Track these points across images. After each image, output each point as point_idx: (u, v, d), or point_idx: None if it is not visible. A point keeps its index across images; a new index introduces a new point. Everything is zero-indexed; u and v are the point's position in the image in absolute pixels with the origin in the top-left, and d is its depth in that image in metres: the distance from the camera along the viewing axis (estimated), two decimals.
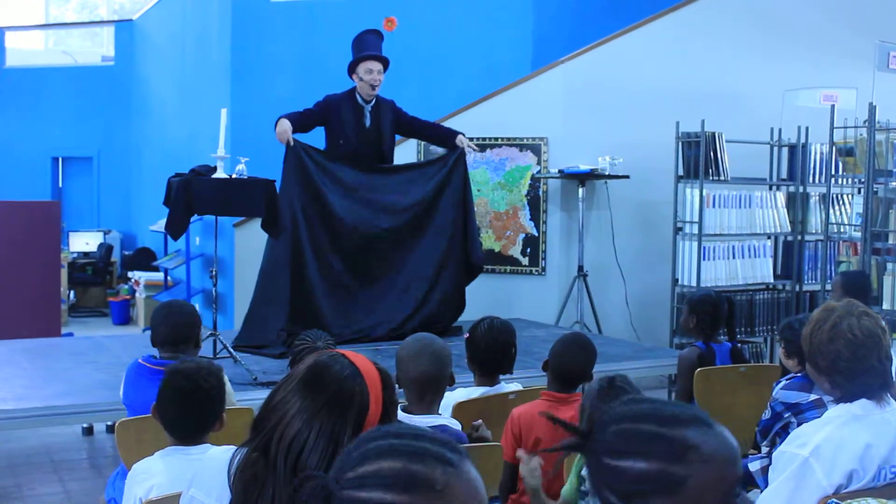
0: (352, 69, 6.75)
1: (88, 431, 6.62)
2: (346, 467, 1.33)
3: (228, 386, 3.49)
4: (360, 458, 1.32)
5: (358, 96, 6.76)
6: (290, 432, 1.85)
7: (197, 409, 2.95)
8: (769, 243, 8.27)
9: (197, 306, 11.09)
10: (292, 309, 6.42)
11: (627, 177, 8.08)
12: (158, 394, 3.05)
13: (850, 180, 7.89)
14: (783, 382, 3.96)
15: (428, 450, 1.32)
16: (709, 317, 4.81)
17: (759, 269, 8.15)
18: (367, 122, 6.78)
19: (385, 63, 6.75)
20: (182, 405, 2.97)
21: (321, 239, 6.62)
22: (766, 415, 3.93)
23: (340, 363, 1.95)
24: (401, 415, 3.27)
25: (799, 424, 3.78)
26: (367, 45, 6.75)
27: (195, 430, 2.96)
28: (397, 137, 7.18)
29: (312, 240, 6.58)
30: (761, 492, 2.72)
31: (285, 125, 6.49)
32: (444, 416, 3.36)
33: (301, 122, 6.65)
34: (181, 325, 3.89)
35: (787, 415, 3.85)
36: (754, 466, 3.72)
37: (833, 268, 7.86)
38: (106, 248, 13.68)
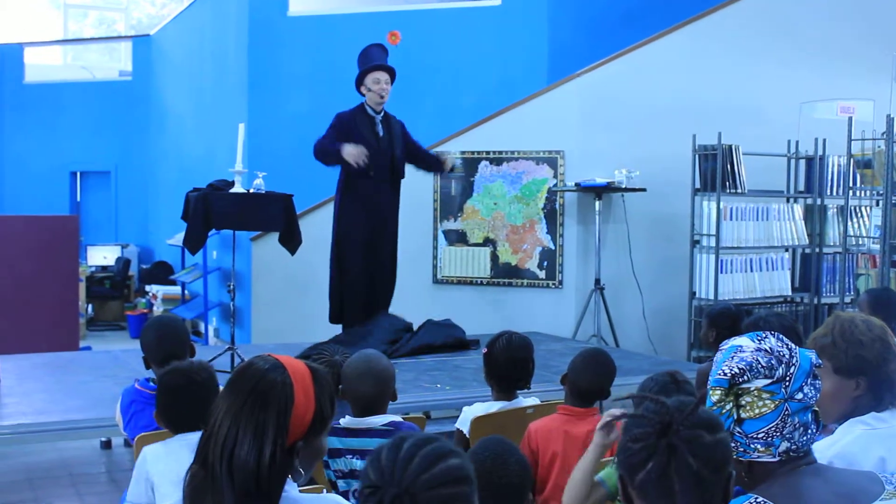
0: (359, 82, 6.84)
1: (106, 445, 6.62)
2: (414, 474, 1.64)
3: None
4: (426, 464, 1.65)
5: (368, 108, 6.84)
6: (220, 434, 1.87)
7: (194, 402, 3.03)
8: (787, 256, 8.24)
9: (214, 320, 11.19)
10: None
11: (644, 190, 8.06)
12: (157, 397, 3.16)
13: (868, 192, 7.85)
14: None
15: None
16: (728, 330, 4.76)
17: (777, 282, 8.12)
18: (381, 132, 6.86)
19: (392, 74, 6.83)
20: (180, 401, 3.08)
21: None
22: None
23: (263, 359, 1.98)
24: (349, 420, 3.41)
25: None
26: (373, 58, 6.84)
27: (197, 424, 2.98)
28: None
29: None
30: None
31: (351, 147, 6.60)
32: (392, 415, 3.46)
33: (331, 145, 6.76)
34: (173, 342, 3.84)
35: None
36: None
37: (851, 280, 7.82)
38: (124, 262, 13.75)
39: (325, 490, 2.38)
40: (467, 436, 3.79)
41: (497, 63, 10.07)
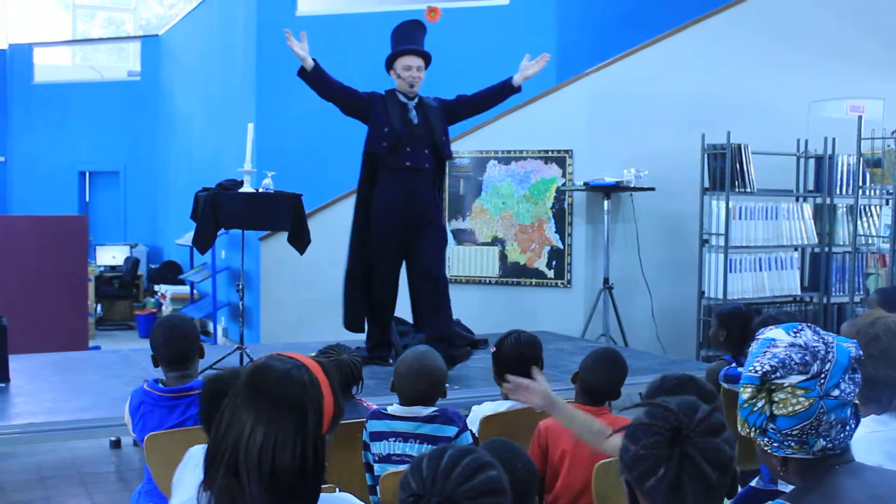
0: (389, 64, 6.24)
1: (116, 445, 6.65)
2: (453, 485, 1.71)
3: None
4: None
5: (399, 94, 6.23)
6: (255, 444, 1.82)
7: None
8: (796, 255, 8.21)
9: (223, 320, 11.20)
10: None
11: (653, 189, 8.05)
12: (199, 403, 3.11)
13: (877, 191, 7.83)
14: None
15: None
16: (739, 331, 4.77)
17: (787, 282, 8.09)
18: (415, 119, 6.21)
19: (427, 59, 6.24)
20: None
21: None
22: None
23: (280, 360, 1.95)
24: (396, 408, 3.49)
25: None
26: (407, 38, 6.23)
27: None
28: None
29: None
30: None
31: (308, 58, 6.19)
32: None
33: (338, 84, 6.19)
34: (183, 342, 3.79)
35: None
36: None
37: (861, 280, 7.80)
38: (132, 262, 13.78)
39: (336, 489, 2.37)
40: (476, 435, 3.79)
41: (505, 62, 9.99)
